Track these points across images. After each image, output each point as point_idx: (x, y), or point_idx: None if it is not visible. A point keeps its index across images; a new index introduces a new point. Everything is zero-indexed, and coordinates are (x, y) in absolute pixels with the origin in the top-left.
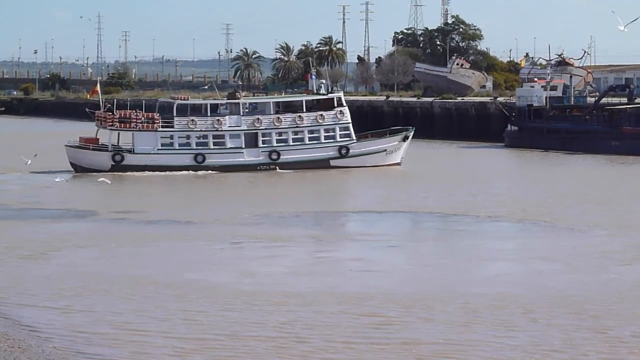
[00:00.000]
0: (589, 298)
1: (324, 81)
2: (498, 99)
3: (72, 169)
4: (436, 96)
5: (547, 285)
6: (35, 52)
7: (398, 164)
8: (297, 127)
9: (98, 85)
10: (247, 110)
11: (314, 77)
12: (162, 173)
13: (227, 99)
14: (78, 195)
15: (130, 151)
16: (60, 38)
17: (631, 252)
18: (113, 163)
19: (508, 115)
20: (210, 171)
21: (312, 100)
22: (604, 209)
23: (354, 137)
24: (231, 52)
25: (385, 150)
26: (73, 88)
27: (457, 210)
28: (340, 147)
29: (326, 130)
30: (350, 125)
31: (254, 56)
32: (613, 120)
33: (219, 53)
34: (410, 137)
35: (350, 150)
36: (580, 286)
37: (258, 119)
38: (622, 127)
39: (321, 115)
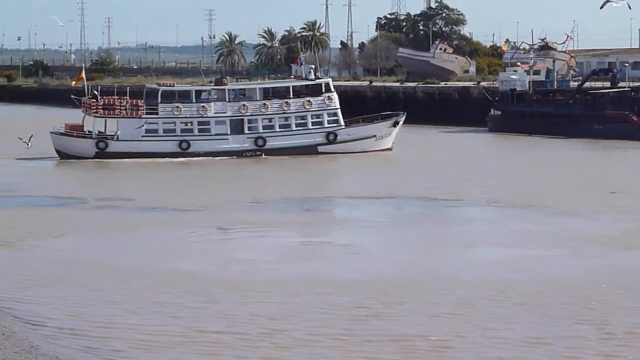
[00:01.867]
0: (589, 285)
1: (312, 66)
2: (481, 83)
3: (57, 156)
4: (419, 81)
5: (547, 271)
6: (19, 39)
7: (389, 149)
8: (283, 113)
9: (83, 72)
10: (232, 96)
11: (302, 62)
12: (147, 160)
13: (215, 85)
14: (57, 182)
15: (114, 138)
16: (43, 24)
17: (630, 237)
18: (97, 150)
19: (491, 100)
20: (194, 158)
21: (300, 86)
22: (594, 193)
23: (343, 123)
24: (214, 37)
25: (375, 135)
26: (56, 75)
27: (448, 196)
28: (328, 133)
29: (314, 117)
30: (339, 111)
31: (237, 42)
32: (596, 105)
33: (202, 39)
34: (401, 122)
35: (339, 136)
36: (581, 272)
37: (244, 105)
38: (604, 111)
39: (308, 101)
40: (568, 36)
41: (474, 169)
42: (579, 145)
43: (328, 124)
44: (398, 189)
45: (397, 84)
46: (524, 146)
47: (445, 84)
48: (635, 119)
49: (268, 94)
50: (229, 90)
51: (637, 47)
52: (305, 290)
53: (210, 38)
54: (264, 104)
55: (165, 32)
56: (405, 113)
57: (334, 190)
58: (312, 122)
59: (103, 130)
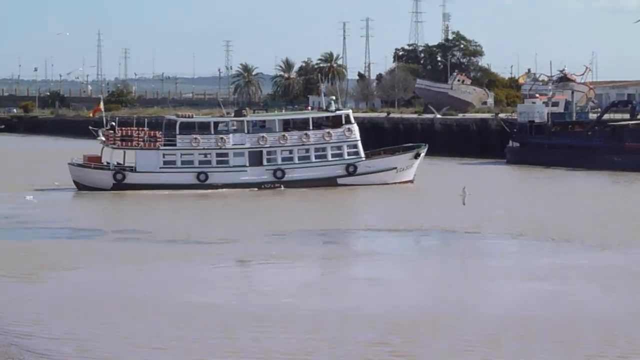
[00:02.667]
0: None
1: (334, 98)
2: (499, 115)
3: (75, 187)
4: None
5: (574, 307)
6: (36, 69)
7: (411, 181)
8: (303, 144)
9: (102, 103)
10: (251, 127)
11: (324, 92)
12: (165, 191)
13: (234, 116)
14: (73, 213)
15: (132, 170)
16: (59, 55)
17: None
18: (114, 182)
19: (509, 132)
20: (212, 190)
21: (320, 117)
22: (619, 227)
23: (363, 155)
24: (231, 69)
25: (396, 167)
26: (73, 105)
27: (470, 229)
28: (348, 165)
29: (333, 148)
30: (359, 142)
31: (254, 73)
32: (615, 136)
33: (219, 70)
34: (423, 154)
35: (358, 168)
36: (610, 307)
37: (263, 136)
38: (624, 143)
39: (328, 132)
40: (587, 68)
41: (496, 202)
42: (599, 178)
43: (348, 155)
44: (420, 222)
45: (415, 116)
46: (544, 178)
47: (464, 115)
48: None
49: (288, 125)
50: (247, 121)
51: None
52: (324, 325)
53: (227, 69)
54: (283, 135)
55: (182, 63)
56: (427, 145)
57: (353, 223)
58: (331, 154)
59: (122, 162)
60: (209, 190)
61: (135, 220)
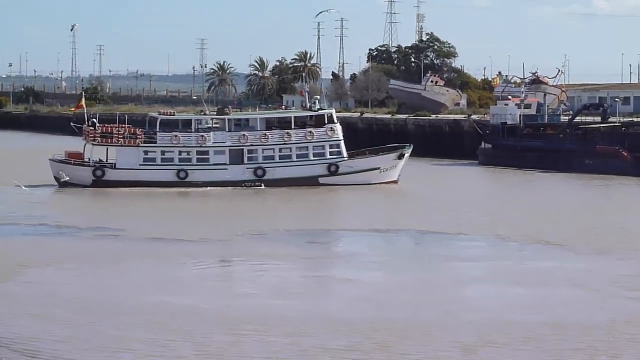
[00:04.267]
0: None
1: (318, 97)
2: (472, 117)
3: (57, 183)
4: (411, 113)
5: (558, 313)
6: (10, 65)
7: (395, 182)
8: (284, 144)
9: (83, 99)
10: (233, 126)
11: (307, 91)
12: (144, 189)
13: (217, 114)
14: (49, 211)
15: (112, 166)
16: (34, 52)
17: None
18: (94, 178)
19: (482, 133)
20: (193, 188)
21: (303, 116)
22: (595, 230)
23: (346, 155)
24: (206, 67)
25: (379, 168)
26: (47, 102)
27: (452, 230)
28: (330, 165)
29: (315, 148)
30: (342, 142)
31: (228, 71)
32: (587, 139)
33: (193, 68)
34: (407, 155)
35: (340, 168)
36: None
37: (244, 135)
38: (596, 146)
39: (310, 132)
40: (559, 70)
41: (477, 204)
42: (573, 181)
43: (330, 155)
44: (401, 223)
45: (389, 116)
46: (519, 181)
47: (437, 116)
48: (626, 154)
49: (270, 124)
50: (229, 120)
51: (628, 82)
52: (302, 330)
53: (202, 67)
54: (265, 134)
55: (157, 61)
56: (412, 146)
57: (329, 223)
58: (313, 154)
59: (105, 159)
60: (189, 189)
61: (111, 218)
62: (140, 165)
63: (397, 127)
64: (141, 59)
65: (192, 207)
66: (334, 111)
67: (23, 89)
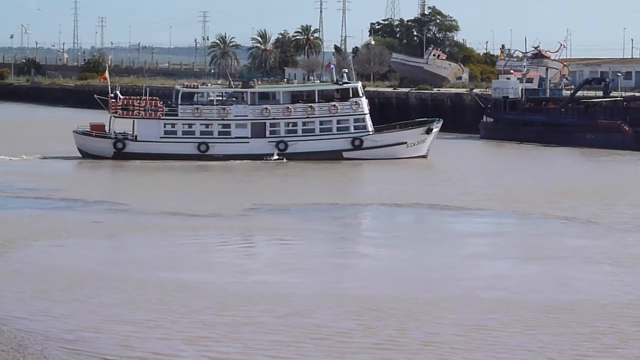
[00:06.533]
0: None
1: (346, 70)
2: (474, 90)
3: (80, 155)
4: (412, 87)
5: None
6: (12, 36)
7: (424, 156)
8: (307, 117)
9: (107, 71)
10: (255, 99)
11: (333, 66)
12: (164, 162)
13: (242, 87)
14: (71, 183)
15: (133, 139)
16: (36, 23)
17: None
18: (115, 150)
19: (483, 107)
20: (213, 161)
21: (327, 90)
22: (614, 205)
23: (371, 129)
24: (208, 39)
25: (406, 142)
26: (49, 73)
27: (473, 205)
28: (354, 139)
29: (339, 122)
30: (367, 116)
31: (230, 44)
32: (588, 114)
33: (195, 41)
34: (436, 129)
35: (365, 142)
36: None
37: (266, 108)
38: (597, 120)
39: (334, 105)
40: (561, 45)
41: (485, 179)
42: (576, 155)
43: (354, 129)
44: (420, 196)
45: (390, 90)
46: (524, 155)
47: (438, 90)
48: (627, 128)
49: (293, 97)
50: (252, 92)
51: (630, 57)
52: (310, 307)
53: (203, 40)
54: (287, 107)
55: (158, 33)
56: (442, 120)
57: (352, 197)
58: (337, 128)
59: (130, 132)
60: (210, 162)
61: (126, 191)
62: (160, 137)
63: (398, 100)
64: (143, 31)
65: (211, 181)
66: (359, 85)
67: (24, 61)
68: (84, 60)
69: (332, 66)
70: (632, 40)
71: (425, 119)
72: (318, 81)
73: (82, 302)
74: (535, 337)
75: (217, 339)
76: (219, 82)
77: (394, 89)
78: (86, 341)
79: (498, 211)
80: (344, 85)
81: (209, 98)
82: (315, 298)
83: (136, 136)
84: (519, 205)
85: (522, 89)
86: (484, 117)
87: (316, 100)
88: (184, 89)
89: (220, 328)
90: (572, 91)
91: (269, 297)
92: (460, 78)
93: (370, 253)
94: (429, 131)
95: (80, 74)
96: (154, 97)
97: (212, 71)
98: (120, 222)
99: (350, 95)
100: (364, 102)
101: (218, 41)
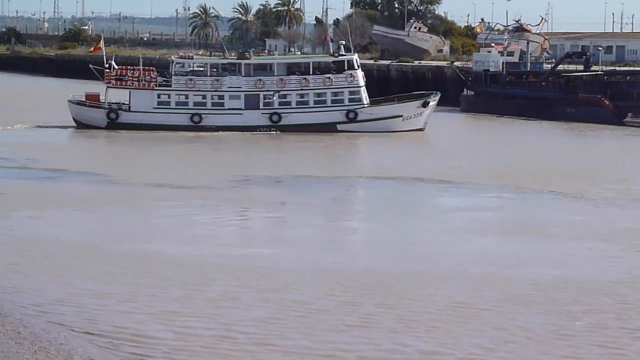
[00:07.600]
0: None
1: (343, 42)
2: (455, 63)
3: (75, 125)
4: (393, 59)
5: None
6: None
7: (421, 129)
8: (301, 89)
9: (102, 41)
10: (251, 71)
11: (332, 38)
12: (157, 132)
13: (237, 59)
14: (64, 153)
15: (127, 109)
16: None
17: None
18: (108, 120)
19: (464, 80)
20: (206, 132)
21: (322, 62)
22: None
23: (366, 102)
24: (189, 10)
25: (402, 115)
26: (29, 42)
27: (463, 179)
28: (348, 111)
29: (333, 94)
30: (362, 89)
31: (211, 15)
32: (569, 87)
33: (176, 11)
34: (433, 103)
35: (359, 115)
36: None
37: (260, 80)
38: (577, 94)
39: (329, 77)
40: (542, 18)
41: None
42: (559, 130)
43: (349, 102)
44: (414, 170)
45: (371, 62)
46: (506, 129)
47: (419, 62)
48: (608, 103)
49: (289, 69)
50: (245, 64)
51: (611, 31)
52: (294, 282)
53: (184, 10)
54: (281, 79)
55: (139, 3)
56: (439, 94)
57: (344, 170)
58: (331, 100)
59: (125, 102)
60: (203, 133)
61: (118, 162)
62: (154, 108)
63: (379, 72)
64: (123, 0)
65: (203, 152)
66: (355, 57)
67: (4, 29)
68: (65, 29)
69: (329, 38)
70: (612, 14)
71: (422, 92)
72: (299, 52)
73: (54, 274)
74: (522, 314)
75: (190, 314)
76: (200, 52)
77: (375, 61)
78: (53, 313)
79: (488, 186)
80: (340, 57)
81: (196, 68)
82: (299, 272)
83: (129, 106)
84: (508, 181)
85: (503, 63)
86: (465, 90)
87: (311, 72)
88: (179, 59)
89: (197, 303)
90: (553, 65)
91: (252, 272)
92: (441, 51)
93: (358, 227)
94: (425, 104)
95: (61, 44)
96: (151, 67)
97: (193, 41)
98: (105, 194)
99: (346, 68)
100: (360, 74)
101: (199, 12)
